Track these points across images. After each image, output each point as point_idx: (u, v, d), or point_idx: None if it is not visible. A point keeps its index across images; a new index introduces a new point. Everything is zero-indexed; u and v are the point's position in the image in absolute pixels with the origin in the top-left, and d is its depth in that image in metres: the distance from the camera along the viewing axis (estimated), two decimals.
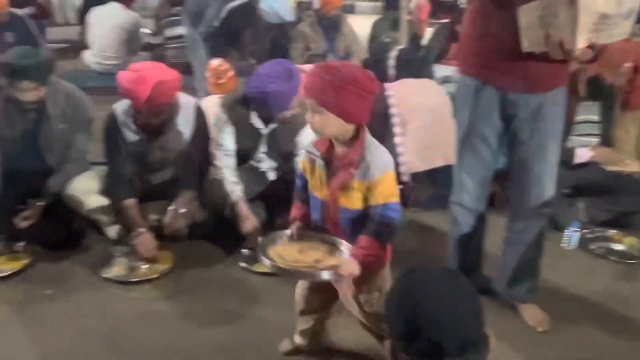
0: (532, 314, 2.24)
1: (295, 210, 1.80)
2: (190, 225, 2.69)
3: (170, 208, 2.58)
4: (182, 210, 2.59)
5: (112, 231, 2.70)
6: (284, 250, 1.69)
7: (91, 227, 2.78)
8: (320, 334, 2.02)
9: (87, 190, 2.65)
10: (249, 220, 2.56)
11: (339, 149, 1.66)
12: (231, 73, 3.20)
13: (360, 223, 1.65)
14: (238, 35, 4.12)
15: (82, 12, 6.22)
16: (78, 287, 2.45)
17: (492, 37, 1.95)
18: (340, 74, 1.56)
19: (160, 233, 2.65)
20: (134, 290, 2.44)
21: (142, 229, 2.55)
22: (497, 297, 2.29)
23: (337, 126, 1.60)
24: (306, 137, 2.58)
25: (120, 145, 2.60)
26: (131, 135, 2.59)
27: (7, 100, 2.57)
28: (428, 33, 5.25)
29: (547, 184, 2.09)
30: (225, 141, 2.63)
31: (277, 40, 4.25)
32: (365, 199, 1.63)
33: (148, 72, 2.40)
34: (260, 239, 1.93)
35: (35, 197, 2.60)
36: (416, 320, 1.09)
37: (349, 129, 1.62)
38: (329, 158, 1.67)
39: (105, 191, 2.66)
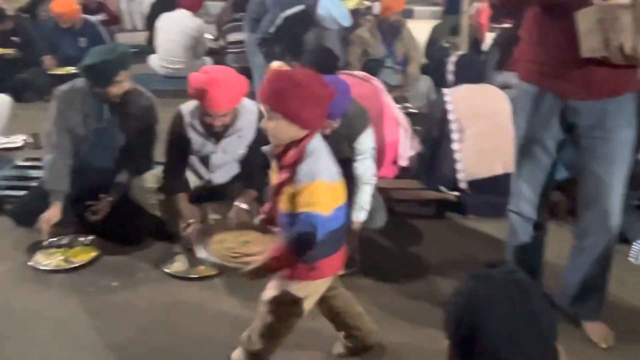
0: (595, 328, 2.15)
1: (267, 205, 1.83)
2: None
3: (235, 203, 2.66)
4: (246, 206, 2.66)
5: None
6: (230, 238, 1.74)
7: (155, 223, 2.89)
8: (356, 334, 1.99)
9: (149, 187, 2.78)
10: None
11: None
12: None
13: (292, 227, 1.64)
14: (294, 42, 4.18)
15: (149, 19, 6.51)
16: (141, 280, 2.56)
17: (550, 43, 1.91)
18: (291, 80, 1.58)
19: None
20: (194, 286, 2.52)
21: (192, 220, 2.62)
22: (557, 309, 2.21)
23: (292, 132, 1.61)
24: (365, 142, 2.61)
25: (183, 143, 2.70)
26: (195, 136, 2.68)
27: (83, 100, 2.72)
28: (489, 38, 5.16)
29: (616, 196, 2.00)
30: None
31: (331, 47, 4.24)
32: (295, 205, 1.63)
33: (218, 75, 2.49)
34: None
35: (104, 192, 2.74)
36: (474, 342, 1.04)
37: (303, 134, 1.62)
38: (279, 160, 1.69)
39: (161, 186, 2.76)
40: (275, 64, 3.30)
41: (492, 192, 3.02)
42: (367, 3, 5.72)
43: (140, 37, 6.89)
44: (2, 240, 2.83)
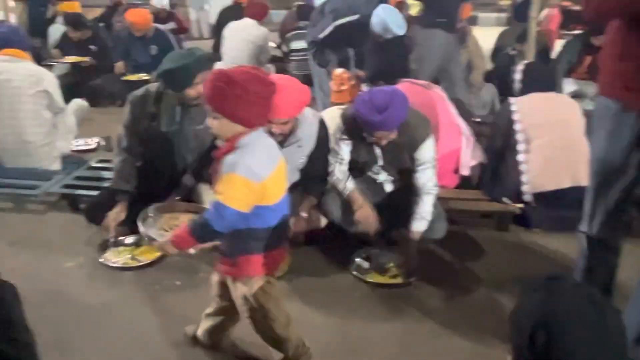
0: None
1: None
2: (307, 232, 2.78)
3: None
4: (304, 215, 2.68)
5: None
6: (183, 218, 1.89)
7: None
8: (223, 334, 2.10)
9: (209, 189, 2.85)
10: (364, 208, 2.62)
11: None
12: (353, 82, 3.27)
13: None
14: (342, 50, 4.21)
15: (216, 28, 6.72)
16: (203, 281, 2.61)
17: (635, 57, 1.80)
18: (229, 80, 1.60)
19: None
20: None
21: None
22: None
23: (235, 130, 1.65)
24: (426, 152, 2.57)
25: None
26: None
27: (156, 104, 2.80)
28: (558, 45, 4.98)
29: None
30: (341, 150, 2.69)
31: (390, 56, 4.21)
32: None
33: (281, 82, 2.52)
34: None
35: (171, 193, 2.83)
36: (548, 357, 1.02)
37: (247, 131, 1.66)
38: None
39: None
40: (339, 70, 3.32)
41: (559, 205, 2.90)
42: None
43: (207, 45, 7.13)
44: (76, 237, 2.99)
